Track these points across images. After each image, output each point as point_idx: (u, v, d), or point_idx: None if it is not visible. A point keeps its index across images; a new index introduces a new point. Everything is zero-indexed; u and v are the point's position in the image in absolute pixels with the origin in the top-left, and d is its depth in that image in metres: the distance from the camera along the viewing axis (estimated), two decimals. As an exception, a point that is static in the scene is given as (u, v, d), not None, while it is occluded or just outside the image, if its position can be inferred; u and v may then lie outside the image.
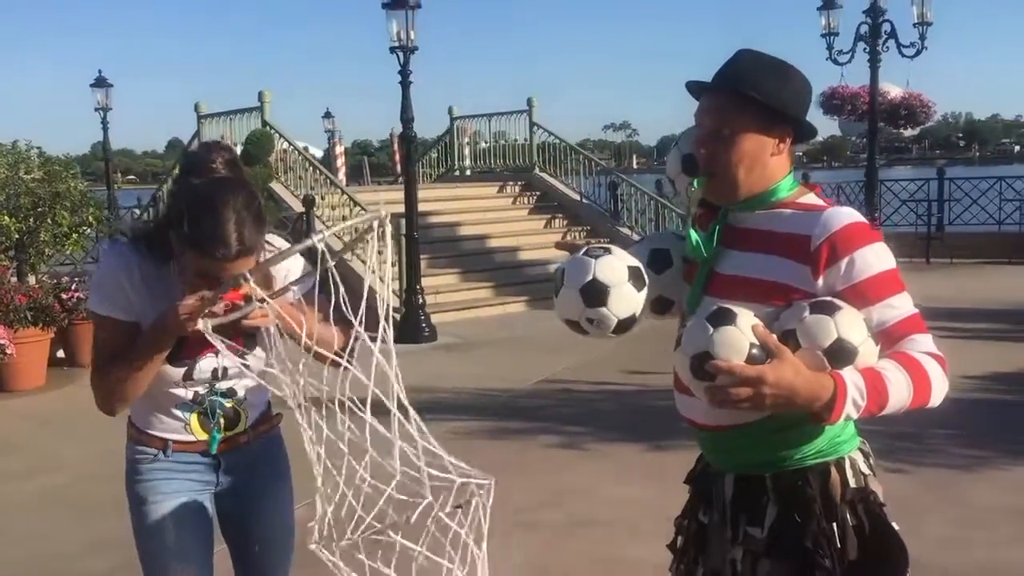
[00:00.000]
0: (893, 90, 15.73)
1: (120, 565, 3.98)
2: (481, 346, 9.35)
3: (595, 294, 1.77)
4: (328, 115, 27.13)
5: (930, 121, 17.08)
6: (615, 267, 1.79)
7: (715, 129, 1.80)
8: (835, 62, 14.47)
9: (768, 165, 1.80)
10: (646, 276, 1.83)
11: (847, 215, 1.74)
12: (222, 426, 2.19)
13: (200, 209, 1.92)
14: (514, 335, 9.81)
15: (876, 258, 1.71)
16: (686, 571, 2.00)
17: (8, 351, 7.29)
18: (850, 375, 1.60)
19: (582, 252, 1.83)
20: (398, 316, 10.01)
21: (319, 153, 18.20)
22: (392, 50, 9.52)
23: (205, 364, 2.14)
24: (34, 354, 7.87)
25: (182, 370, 2.12)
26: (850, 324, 1.63)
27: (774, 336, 1.62)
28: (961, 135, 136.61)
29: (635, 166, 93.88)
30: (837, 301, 1.67)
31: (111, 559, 3.99)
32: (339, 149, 26.72)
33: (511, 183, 15.09)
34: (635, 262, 1.83)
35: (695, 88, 1.87)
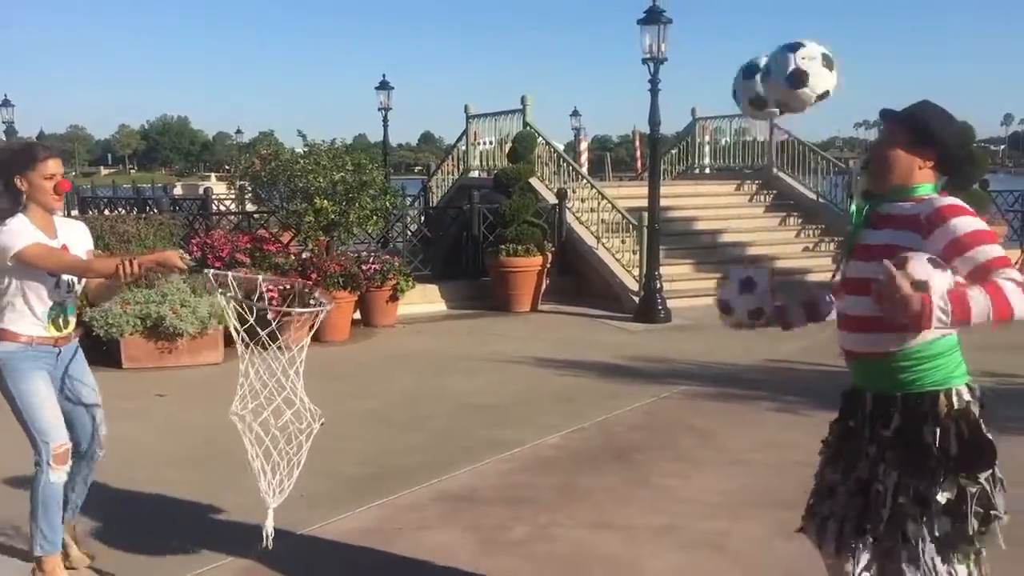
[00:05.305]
0: None
1: (424, 463, 5.46)
2: (710, 329, 10.20)
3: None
4: (576, 113, 28.68)
5: None
6: None
7: (881, 139, 2.67)
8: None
9: (913, 173, 2.56)
10: None
11: (947, 200, 2.45)
12: (64, 325, 3.62)
13: (21, 146, 3.63)
14: (742, 322, 10.63)
15: (966, 223, 2.37)
16: (831, 456, 2.81)
17: (329, 307, 9.14)
18: (937, 295, 2.21)
19: None
20: (637, 299, 11.15)
21: (560, 147, 19.40)
22: (644, 61, 10.48)
23: (65, 279, 3.53)
24: (342, 313, 9.68)
25: (55, 280, 3.52)
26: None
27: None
28: None
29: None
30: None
31: (419, 458, 5.51)
32: (583, 145, 28.29)
33: (748, 181, 15.63)
34: None
35: (883, 114, 2.68)
